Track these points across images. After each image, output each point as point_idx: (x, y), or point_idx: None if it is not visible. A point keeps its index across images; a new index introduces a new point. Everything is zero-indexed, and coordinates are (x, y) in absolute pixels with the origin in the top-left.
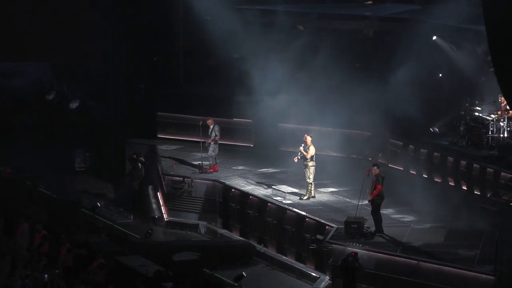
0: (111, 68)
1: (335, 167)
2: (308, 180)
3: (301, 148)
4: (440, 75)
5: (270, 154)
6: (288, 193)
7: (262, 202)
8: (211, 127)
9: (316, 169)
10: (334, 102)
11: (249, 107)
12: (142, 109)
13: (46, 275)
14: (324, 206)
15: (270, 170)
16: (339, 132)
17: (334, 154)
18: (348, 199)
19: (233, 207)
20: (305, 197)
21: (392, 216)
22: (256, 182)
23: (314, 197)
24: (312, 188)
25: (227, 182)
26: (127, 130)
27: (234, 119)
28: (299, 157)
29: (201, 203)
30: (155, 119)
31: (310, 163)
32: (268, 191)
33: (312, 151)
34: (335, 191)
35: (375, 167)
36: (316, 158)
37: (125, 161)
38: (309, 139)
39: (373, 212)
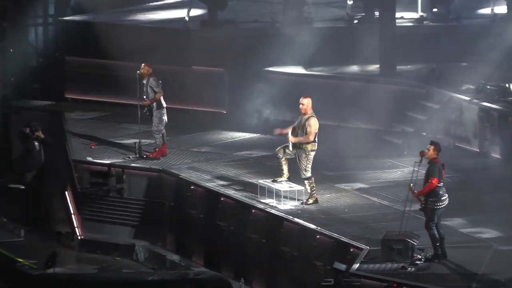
0: None
1: (365, 149)
2: (304, 173)
3: (289, 132)
4: None
5: (254, 127)
6: (285, 191)
7: (242, 208)
8: (145, 80)
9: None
10: (363, 37)
11: (220, 47)
12: (39, 51)
13: None
14: (347, 215)
15: (255, 153)
16: (371, 88)
17: (363, 126)
18: (387, 202)
19: (193, 217)
20: (310, 201)
21: (461, 230)
22: (232, 173)
23: (316, 199)
24: (314, 187)
25: (183, 175)
26: (14, 87)
27: (194, 67)
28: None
29: (139, 210)
30: (62, 67)
31: (310, 146)
32: (252, 190)
33: (314, 126)
34: (365, 188)
35: (431, 148)
36: (332, 132)
37: (12, 139)
38: (306, 103)
39: (428, 224)
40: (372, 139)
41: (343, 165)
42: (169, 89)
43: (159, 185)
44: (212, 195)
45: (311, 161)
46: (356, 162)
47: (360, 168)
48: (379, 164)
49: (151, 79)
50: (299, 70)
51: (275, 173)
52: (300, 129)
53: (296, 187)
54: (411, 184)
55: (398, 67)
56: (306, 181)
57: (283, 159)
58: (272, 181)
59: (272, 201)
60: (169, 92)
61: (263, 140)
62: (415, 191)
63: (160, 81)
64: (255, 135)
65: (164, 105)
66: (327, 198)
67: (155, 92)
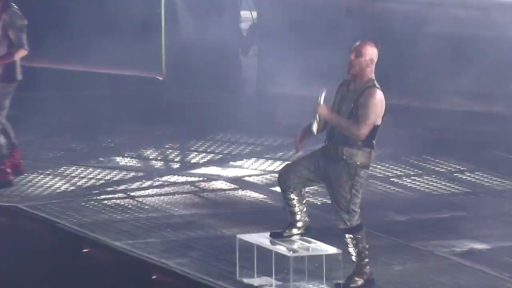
0: None
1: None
2: (346, 217)
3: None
4: None
5: (231, 113)
6: (299, 258)
7: None
8: None
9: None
10: None
11: None
12: None
13: None
14: None
15: (242, 164)
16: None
17: (477, 109)
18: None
19: None
20: (359, 282)
21: None
22: (180, 218)
23: (371, 278)
24: (367, 249)
25: (65, 218)
26: None
27: None
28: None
29: None
30: None
31: (360, 155)
32: (226, 256)
33: (375, 106)
34: (479, 252)
35: None
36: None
37: None
38: (365, 53)
39: None
40: (492, 143)
41: (428, 201)
42: (45, 33)
43: (10, 241)
44: (135, 269)
45: (361, 190)
46: (456, 198)
47: (465, 209)
48: (507, 201)
49: (12, 13)
50: None
51: (279, 220)
52: (346, 106)
53: (324, 249)
54: None
55: None
56: (348, 236)
57: (294, 188)
58: (270, 235)
59: (269, 282)
60: (44, 39)
61: (255, 145)
62: None
63: (26, 21)
64: (234, 130)
65: (19, 77)
66: (398, 273)
67: (10, 41)
